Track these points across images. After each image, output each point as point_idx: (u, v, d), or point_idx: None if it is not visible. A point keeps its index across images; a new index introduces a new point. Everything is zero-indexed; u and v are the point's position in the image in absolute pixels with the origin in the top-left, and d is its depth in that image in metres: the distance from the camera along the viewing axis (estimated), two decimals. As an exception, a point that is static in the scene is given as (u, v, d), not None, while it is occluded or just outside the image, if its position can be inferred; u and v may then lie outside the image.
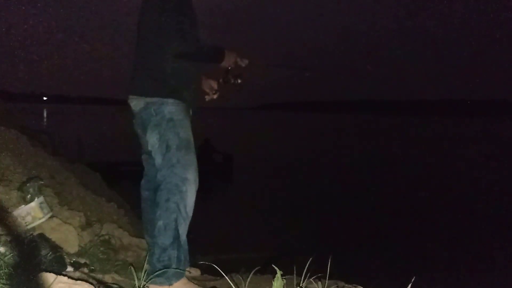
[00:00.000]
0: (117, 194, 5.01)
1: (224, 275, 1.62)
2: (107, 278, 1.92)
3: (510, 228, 8.51)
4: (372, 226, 8.57)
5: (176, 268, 1.79)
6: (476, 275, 5.99)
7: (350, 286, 1.81)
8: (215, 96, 2.22)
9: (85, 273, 1.84)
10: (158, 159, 1.91)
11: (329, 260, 1.68)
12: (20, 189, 2.25)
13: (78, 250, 2.15)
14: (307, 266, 1.63)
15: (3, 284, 1.31)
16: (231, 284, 1.54)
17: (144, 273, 1.80)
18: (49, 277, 1.38)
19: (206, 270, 2.30)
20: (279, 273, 1.50)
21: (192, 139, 1.97)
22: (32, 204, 2.12)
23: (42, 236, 1.91)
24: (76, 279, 1.46)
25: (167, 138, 1.89)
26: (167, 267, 1.78)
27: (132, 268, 1.85)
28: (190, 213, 1.89)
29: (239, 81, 2.16)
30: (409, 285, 1.46)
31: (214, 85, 2.21)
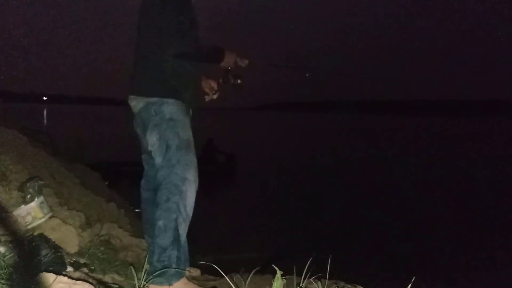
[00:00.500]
0: (117, 194, 5.01)
1: (224, 275, 1.63)
2: (107, 278, 1.92)
3: (510, 228, 8.51)
4: (372, 226, 8.57)
5: (176, 268, 1.79)
6: (476, 275, 5.99)
7: (350, 286, 1.81)
8: (215, 96, 2.22)
9: (85, 273, 1.84)
10: (158, 159, 1.91)
11: (329, 260, 1.68)
12: (20, 189, 2.25)
13: (78, 250, 2.15)
14: (307, 266, 1.63)
15: (3, 284, 1.31)
16: (231, 284, 1.54)
17: (144, 273, 1.80)
18: (49, 277, 1.38)
19: (206, 270, 2.30)
20: (279, 273, 1.50)
21: (192, 139, 1.97)
22: (32, 204, 2.12)
23: (42, 236, 1.91)
24: (76, 279, 1.46)
25: (167, 138, 1.89)
26: (167, 267, 1.78)
27: (132, 268, 1.85)
28: (190, 213, 1.89)
29: (239, 81, 2.16)
30: (409, 285, 1.47)
31: (214, 85, 2.21)
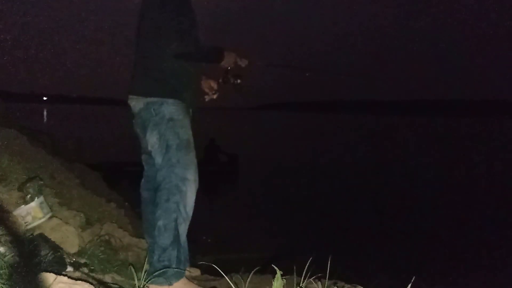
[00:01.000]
0: (117, 194, 5.00)
1: (224, 275, 1.62)
2: (107, 278, 1.92)
3: (510, 228, 8.51)
4: (372, 226, 8.57)
5: (176, 268, 1.79)
6: (476, 275, 5.98)
7: (350, 286, 1.81)
8: (214, 96, 2.22)
9: (85, 273, 1.84)
10: (158, 159, 1.91)
11: (329, 260, 1.68)
12: (20, 189, 2.25)
13: (78, 250, 2.15)
14: (307, 266, 1.63)
15: (3, 284, 1.31)
16: (231, 284, 1.54)
17: (144, 273, 1.80)
18: (49, 277, 1.38)
19: (206, 270, 2.30)
20: (279, 273, 1.50)
21: (192, 139, 1.97)
22: (32, 204, 2.12)
23: (42, 236, 1.91)
24: (76, 279, 1.46)
25: (167, 138, 1.89)
26: (167, 267, 1.78)
27: (132, 268, 1.85)
28: (190, 213, 1.89)
29: (239, 81, 2.16)
30: (409, 285, 1.47)
31: (214, 85, 2.21)
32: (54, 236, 2.05)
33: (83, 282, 1.44)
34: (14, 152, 2.87)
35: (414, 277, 1.47)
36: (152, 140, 1.93)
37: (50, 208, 2.24)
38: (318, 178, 15.03)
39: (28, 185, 2.19)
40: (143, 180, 2.20)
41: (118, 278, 1.98)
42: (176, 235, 1.82)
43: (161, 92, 1.94)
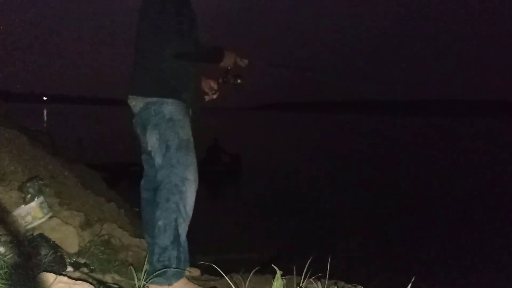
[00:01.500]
0: (117, 194, 5.00)
1: (224, 275, 1.62)
2: (107, 278, 1.92)
3: (510, 228, 8.51)
4: (372, 226, 8.57)
5: (176, 268, 1.79)
6: (476, 275, 5.98)
7: (350, 286, 1.81)
8: (214, 96, 2.22)
9: (85, 273, 1.84)
10: (158, 159, 1.91)
11: (329, 260, 1.68)
12: (20, 189, 2.25)
13: (78, 250, 2.15)
14: (307, 266, 1.63)
15: (3, 284, 1.31)
16: (231, 284, 1.54)
17: (144, 273, 1.80)
18: (49, 277, 1.38)
19: (206, 270, 2.30)
20: (279, 273, 1.50)
21: (192, 139, 1.97)
22: (32, 204, 2.12)
23: (42, 236, 1.91)
24: (76, 279, 1.46)
25: (167, 138, 1.89)
26: (167, 267, 1.78)
27: (132, 268, 1.85)
28: (190, 213, 1.89)
29: (239, 81, 2.16)
30: (409, 285, 1.47)
31: (214, 85, 2.20)
32: (54, 236, 2.04)
33: (83, 282, 1.44)
34: (14, 152, 2.86)
35: (414, 277, 1.47)
36: (152, 140, 1.93)
37: (50, 208, 2.24)
38: (318, 178, 15.03)
39: (28, 185, 2.19)
40: (143, 180, 2.20)
41: (118, 278, 1.98)
42: (176, 235, 1.82)
43: (161, 92, 1.94)
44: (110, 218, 3.03)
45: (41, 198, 2.18)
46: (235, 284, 1.56)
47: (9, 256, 1.54)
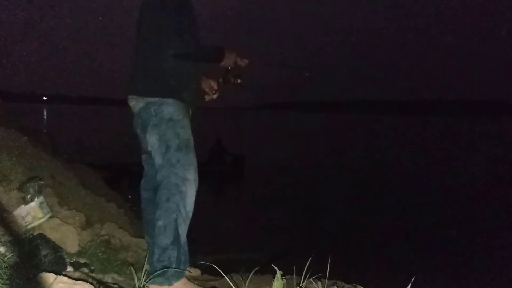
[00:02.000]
0: (117, 194, 5.00)
1: (224, 275, 1.62)
2: (107, 278, 1.92)
3: (510, 228, 8.51)
4: (372, 226, 8.57)
5: (176, 268, 1.79)
6: (476, 275, 5.99)
7: (350, 286, 1.81)
8: (215, 96, 2.22)
9: (85, 273, 1.84)
10: (158, 159, 1.91)
11: (329, 260, 1.68)
12: (20, 189, 2.25)
13: (78, 250, 2.15)
14: (307, 266, 1.63)
15: (3, 284, 1.31)
16: (231, 284, 1.54)
17: (144, 273, 1.80)
18: (49, 277, 1.38)
19: (206, 270, 2.30)
20: (279, 273, 1.50)
21: (192, 139, 1.97)
22: (32, 204, 2.12)
23: (42, 236, 1.91)
24: (76, 279, 1.46)
25: (166, 138, 1.89)
26: (167, 267, 1.78)
27: (132, 268, 1.85)
28: (190, 213, 1.89)
29: (239, 81, 2.15)
30: (409, 285, 1.47)
31: (214, 85, 2.20)
32: (54, 236, 2.05)
33: (83, 282, 1.44)
34: (14, 152, 2.86)
35: (414, 277, 1.47)
36: (152, 140, 1.93)
37: (50, 208, 2.24)
38: (318, 178, 15.03)
39: (28, 185, 2.19)
40: (143, 180, 2.20)
41: (118, 278, 1.98)
42: (176, 235, 1.82)
43: (161, 92, 1.94)
44: (110, 218, 3.03)
45: (41, 198, 2.18)
46: (235, 284, 1.56)
47: (9, 256, 1.54)
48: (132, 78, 2.03)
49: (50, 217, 2.18)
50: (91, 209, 2.94)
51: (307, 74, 2.60)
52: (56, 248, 1.85)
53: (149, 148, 1.95)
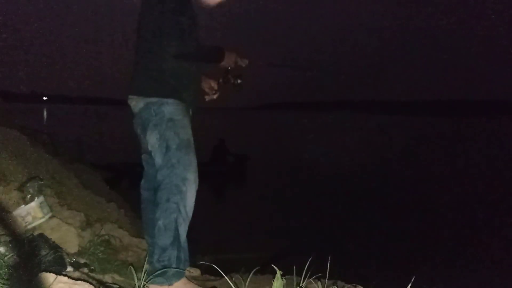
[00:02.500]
0: (117, 194, 5.01)
1: (224, 275, 1.62)
2: (107, 278, 1.92)
3: (510, 228, 8.51)
4: (372, 226, 8.57)
5: (176, 268, 1.79)
6: (476, 275, 5.98)
7: (350, 286, 1.81)
8: (215, 96, 2.22)
9: (85, 273, 1.84)
10: (158, 159, 1.91)
11: (329, 260, 1.68)
12: (20, 189, 2.25)
13: (78, 250, 2.15)
14: (307, 266, 1.63)
15: (3, 284, 1.31)
16: (231, 284, 1.54)
17: (144, 273, 1.80)
18: (49, 277, 1.38)
19: (206, 270, 2.30)
20: (279, 273, 1.50)
21: (192, 139, 1.97)
22: (32, 204, 2.12)
23: (42, 236, 1.91)
24: (76, 279, 1.46)
25: (167, 138, 1.89)
26: (167, 267, 1.78)
27: (132, 268, 1.85)
28: (190, 213, 1.89)
29: (239, 81, 2.15)
30: (409, 285, 1.47)
31: (214, 85, 2.20)
32: (54, 236, 2.05)
33: (83, 282, 1.44)
34: (14, 152, 2.87)
35: (414, 277, 1.47)
36: (152, 140, 1.93)
37: (50, 208, 2.24)
38: (318, 178, 15.03)
39: (28, 185, 2.19)
40: (143, 180, 2.20)
41: (118, 278, 1.98)
42: (176, 235, 1.82)
43: (161, 92, 1.94)
44: (110, 218, 3.04)
45: (41, 198, 2.18)
46: (235, 284, 1.56)
47: (9, 256, 1.54)
48: (133, 78, 2.03)
49: (50, 217, 2.18)
50: (91, 209, 2.95)
51: (307, 74, 2.60)
52: (56, 248, 1.85)
53: (149, 148, 1.95)
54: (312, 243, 6.60)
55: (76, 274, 1.76)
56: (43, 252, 1.73)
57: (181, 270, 1.82)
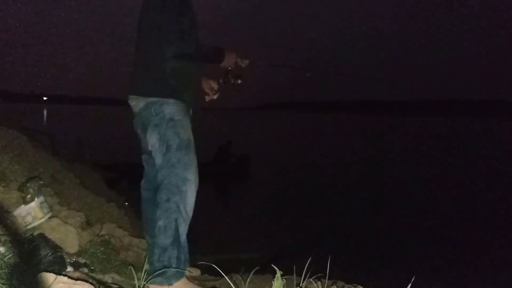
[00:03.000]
0: (117, 194, 5.01)
1: (224, 275, 1.62)
2: (107, 278, 1.92)
3: (510, 228, 8.51)
4: (372, 226, 8.57)
5: (176, 268, 1.79)
6: (476, 274, 5.99)
7: (350, 286, 1.81)
8: (215, 97, 2.22)
9: (85, 273, 1.84)
10: (158, 159, 1.91)
11: (329, 260, 1.67)
12: (20, 189, 2.25)
13: (78, 250, 2.15)
14: (307, 266, 1.63)
15: (3, 284, 1.31)
16: (231, 284, 1.54)
17: (144, 273, 1.80)
18: (49, 277, 1.38)
19: (206, 270, 2.30)
20: (279, 273, 1.50)
21: (192, 139, 1.97)
22: (32, 204, 2.12)
23: (42, 236, 1.91)
24: (76, 279, 1.46)
25: (167, 138, 1.89)
26: (167, 267, 1.78)
27: (132, 268, 1.85)
28: (190, 213, 1.89)
29: (239, 81, 2.15)
30: (409, 285, 1.47)
31: (214, 85, 2.20)
32: (54, 236, 2.05)
33: (83, 282, 1.44)
34: (14, 152, 2.86)
35: (414, 277, 1.47)
36: (152, 140, 1.93)
37: (50, 208, 2.24)
38: (318, 178, 15.03)
39: (28, 185, 2.19)
40: (143, 180, 2.20)
41: (118, 278, 1.98)
42: (176, 235, 1.82)
43: (162, 92, 1.94)
44: (110, 218, 3.04)
45: (41, 198, 2.18)
46: (235, 284, 1.56)
47: (9, 256, 1.54)
48: (133, 78, 2.03)
49: (50, 217, 2.18)
50: (91, 209, 2.95)
51: (308, 75, 2.60)
52: (56, 248, 1.85)
53: (150, 148, 1.95)
54: (312, 243, 6.60)
55: (76, 274, 1.76)
56: (43, 252, 1.73)
57: (181, 270, 1.82)
